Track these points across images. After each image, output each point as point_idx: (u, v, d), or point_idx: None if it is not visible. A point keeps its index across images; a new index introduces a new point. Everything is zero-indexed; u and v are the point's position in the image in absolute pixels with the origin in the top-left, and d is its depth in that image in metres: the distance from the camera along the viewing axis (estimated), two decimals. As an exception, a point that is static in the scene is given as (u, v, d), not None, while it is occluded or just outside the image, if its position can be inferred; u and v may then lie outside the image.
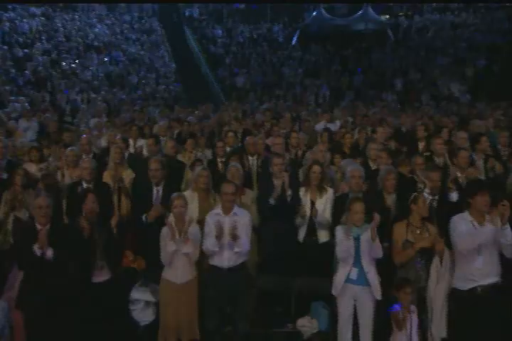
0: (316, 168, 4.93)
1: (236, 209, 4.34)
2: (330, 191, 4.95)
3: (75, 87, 14.42)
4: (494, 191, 4.06)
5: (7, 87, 12.93)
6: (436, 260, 4.10)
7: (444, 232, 4.09)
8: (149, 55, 18.98)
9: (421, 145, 6.76)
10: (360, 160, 5.64)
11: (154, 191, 5.04)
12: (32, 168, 5.79)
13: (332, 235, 4.49)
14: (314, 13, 21.39)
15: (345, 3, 22.18)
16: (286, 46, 20.75)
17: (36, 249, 3.85)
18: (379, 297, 4.06)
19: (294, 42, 20.79)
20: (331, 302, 4.44)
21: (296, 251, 4.83)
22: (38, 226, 3.99)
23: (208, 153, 6.88)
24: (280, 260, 4.76)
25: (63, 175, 5.69)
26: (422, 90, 15.83)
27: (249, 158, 6.26)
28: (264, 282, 4.80)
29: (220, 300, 4.28)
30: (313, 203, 4.85)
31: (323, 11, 21.18)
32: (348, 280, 4.09)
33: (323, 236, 4.86)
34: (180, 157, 6.48)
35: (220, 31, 22.27)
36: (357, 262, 4.08)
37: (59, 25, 18.86)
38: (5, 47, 15.64)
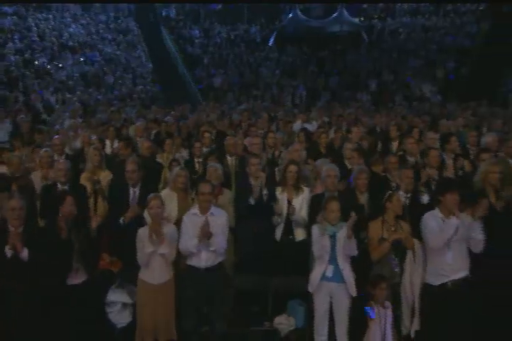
0: (293, 168, 4.98)
1: (213, 209, 4.36)
2: (306, 190, 5.02)
3: (49, 87, 14.20)
4: (463, 189, 4.20)
5: (-22, 88, 12.69)
6: (409, 256, 4.22)
7: (416, 230, 4.21)
8: (126, 55, 18.82)
9: (394, 144, 6.92)
10: (332, 159, 5.71)
11: (131, 192, 5.02)
12: (3, 170, 5.70)
13: (308, 234, 4.57)
14: (290, 15, 21.55)
15: (321, 5, 22.38)
16: (263, 47, 20.86)
17: (7, 250, 3.80)
18: (354, 293, 4.14)
19: (270, 43, 20.90)
20: (307, 299, 4.50)
21: (273, 250, 4.87)
22: (11, 228, 3.94)
23: (185, 153, 6.88)
24: (257, 259, 4.80)
25: (37, 177, 5.61)
26: (396, 91, 16.17)
27: (228, 158, 6.29)
28: (241, 281, 4.83)
29: (198, 300, 4.29)
30: (289, 202, 4.91)
31: (299, 13, 21.36)
32: (324, 277, 4.17)
33: (299, 235, 4.92)
34: (158, 158, 6.46)
35: (197, 31, 22.23)
36: (333, 259, 4.16)
37: (32, 24, 18.50)
38: (-24, 46, 15.33)
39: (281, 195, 4.96)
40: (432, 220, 4.05)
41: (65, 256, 4.12)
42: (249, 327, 4.75)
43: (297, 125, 8.85)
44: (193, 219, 4.27)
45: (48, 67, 15.83)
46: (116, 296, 4.54)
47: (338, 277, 4.15)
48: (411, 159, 5.93)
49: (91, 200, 5.21)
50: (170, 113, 10.34)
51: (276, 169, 5.68)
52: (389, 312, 4.08)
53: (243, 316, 4.82)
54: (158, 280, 4.22)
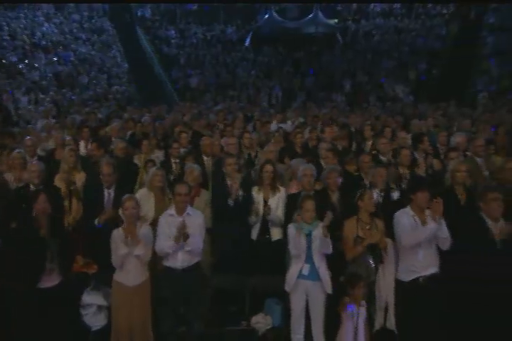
0: (269, 168, 5.02)
1: (189, 209, 4.36)
2: (282, 190, 5.06)
3: (21, 87, 13.90)
4: (433, 188, 4.32)
5: None
6: (382, 254, 4.31)
7: (390, 227, 4.31)
8: (100, 55, 18.57)
9: (368, 144, 7.04)
10: (308, 159, 5.77)
11: (106, 194, 4.98)
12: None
13: (284, 233, 4.60)
14: (266, 16, 21.65)
15: (296, 6, 22.56)
16: (240, 48, 20.90)
17: None
18: (329, 291, 4.20)
19: (246, 43, 20.97)
20: (284, 298, 4.54)
21: (250, 249, 4.90)
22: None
23: (160, 154, 6.83)
24: (234, 259, 4.81)
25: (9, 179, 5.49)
26: (369, 91, 16.43)
27: (204, 158, 6.28)
28: (218, 281, 4.84)
29: (175, 301, 4.28)
30: (266, 202, 4.94)
31: (275, 14, 21.49)
32: (300, 275, 4.22)
33: (276, 235, 4.95)
34: (136, 159, 6.40)
35: (173, 32, 22.10)
36: (309, 258, 4.21)
37: (3, 23, 18.08)
38: None
39: (257, 194, 4.99)
40: (404, 218, 4.17)
41: (39, 256, 4.04)
42: (227, 326, 4.76)
43: (273, 125, 8.91)
44: (169, 220, 4.26)
45: (20, 66, 15.50)
46: (92, 298, 4.49)
47: (314, 275, 4.20)
48: (383, 158, 6.05)
49: (66, 201, 5.13)
50: (146, 113, 10.24)
51: (253, 169, 5.71)
52: (362, 310, 4.13)
53: (220, 316, 4.83)
54: (134, 282, 4.19)
